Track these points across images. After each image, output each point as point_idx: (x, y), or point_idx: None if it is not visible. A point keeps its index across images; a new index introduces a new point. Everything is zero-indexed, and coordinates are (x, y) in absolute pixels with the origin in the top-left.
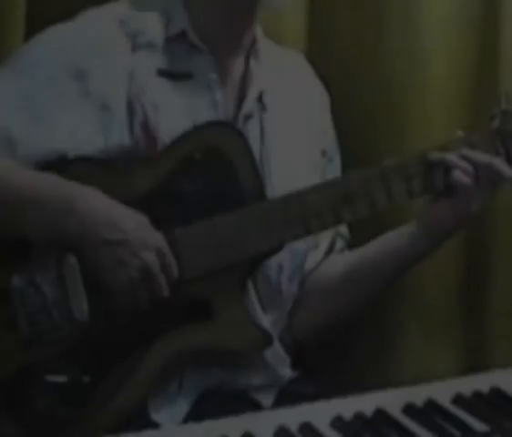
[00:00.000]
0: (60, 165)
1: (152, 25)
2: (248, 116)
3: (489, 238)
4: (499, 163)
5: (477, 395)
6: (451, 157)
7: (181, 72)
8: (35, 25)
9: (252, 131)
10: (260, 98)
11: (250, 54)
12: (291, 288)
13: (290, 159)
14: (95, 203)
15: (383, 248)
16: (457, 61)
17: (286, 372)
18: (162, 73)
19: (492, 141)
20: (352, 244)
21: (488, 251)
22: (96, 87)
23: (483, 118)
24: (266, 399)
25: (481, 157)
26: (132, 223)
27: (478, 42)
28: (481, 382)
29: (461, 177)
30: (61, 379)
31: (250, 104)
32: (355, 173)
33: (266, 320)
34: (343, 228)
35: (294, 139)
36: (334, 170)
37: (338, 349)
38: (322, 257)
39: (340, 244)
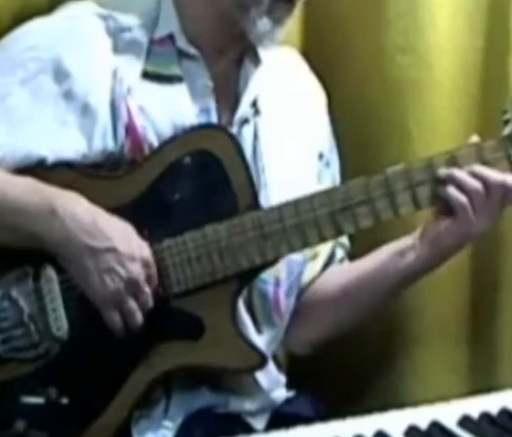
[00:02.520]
0: (40, 170)
1: (137, 24)
2: (243, 122)
3: (498, 257)
4: (508, 185)
5: (485, 416)
6: (460, 174)
7: (170, 75)
8: None
9: (247, 137)
10: (254, 102)
11: (243, 56)
12: (288, 303)
13: (285, 165)
14: (78, 209)
15: (383, 262)
16: (466, 60)
17: (281, 394)
18: (148, 75)
19: (504, 148)
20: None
21: (497, 271)
22: (77, 88)
23: (492, 121)
24: (258, 422)
25: (493, 175)
26: (118, 231)
27: (488, 39)
28: (489, 403)
29: (458, 195)
30: (38, 400)
31: (244, 109)
32: (356, 180)
33: (261, 341)
34: (343, 237)
35: (290, 143)
36: (332, 175)
37: (338, 368)
38: (322, 268)
39: (340, 254)
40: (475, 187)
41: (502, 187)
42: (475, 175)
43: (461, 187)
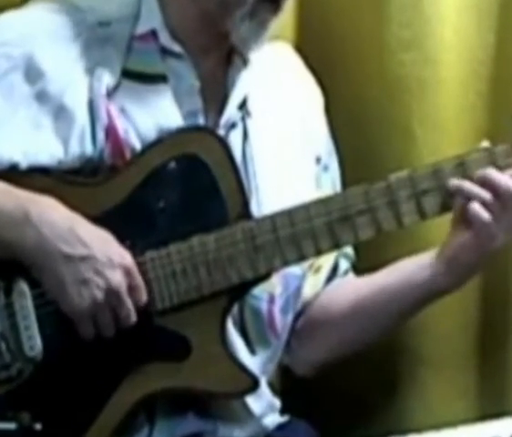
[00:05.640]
0: (12, 176)
1: (117, 18)
2: (230, 126)
3: (509, 274)
4: None
5: None
6: (470, 186)
7: (153, 74)
8: None
9: (235, 141)
10: (243, 104)
11: (232, 55)
12: (285, 320)
13: (279, 170)
14: (54, 214)
15: (400, 278)
16: (474, 56)
17: (274, 420)
18: (129, 73)
19: None
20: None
21: (508, 288)
22: (51, 88)
23: (502, 122)
24: None
25: (505, 181)
26: (97, 238)
27: (498, 35)
28: (499, 430)
29: (479, 212)
30: (9, 425)
31: (231, 111)
32: (356, 188)
33: (254, 362)
34: (348, 247)
35: (284, 147)
36: (331, 180)
37: (336, 391)
38: (325, 282)
39: (344, 265)
40: (487, 198)
41: None
42: (485, 182)
43: (474, 199)
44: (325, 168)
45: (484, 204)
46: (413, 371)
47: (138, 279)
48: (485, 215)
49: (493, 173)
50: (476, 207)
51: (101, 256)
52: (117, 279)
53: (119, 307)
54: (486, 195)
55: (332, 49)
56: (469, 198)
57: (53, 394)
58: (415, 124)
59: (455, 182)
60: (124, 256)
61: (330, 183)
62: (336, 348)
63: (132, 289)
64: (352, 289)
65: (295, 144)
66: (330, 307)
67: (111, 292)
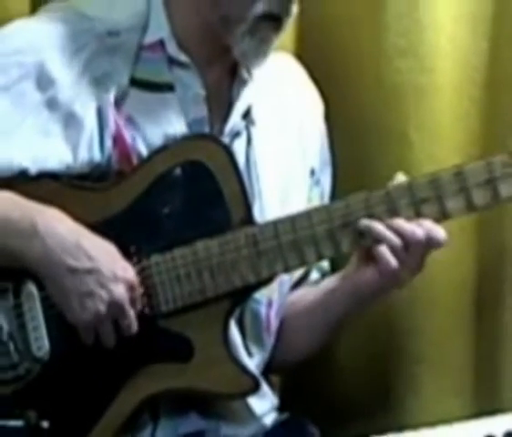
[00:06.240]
0: (22, 181)
1: (126, 28)
2: (235, 135)
3: (502, 272)
4: (430, 231)
5: None
6: (379, 228)
7: (160, 83)
8: None
9: (239, 148)
10: (247, 113)
11: (236, 66)
12: (277, 323)
13: (280, 177)
14: (60, 226)
15: (320, 297)
16: (469, 63)
17: (273, 418)
18: (137, 82)
19: None
20: None
21: (501, 286)
22: (62, 96)
23: (497, 128)
24: None
25: (410, 230)
26: (101, 252)
27: (492, 42)
28: (493, 426)
29: (386, 256)
30: (17, 423)
31: (235, 119)
32: (356, 195)
33: (252, 364)
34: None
35: (284, 155)
36: (320, 193)
37: (333, 389)
38: (289, 288)
39: (315, 276)
40: (395, 243)
41: (419, 241)
42: (392, 228)
43: (383, 241)
44: (317, 182)
45: (391, 248)
46: (409, 371)
47: (138, 292)
48: (391, 259)
49: (400, 221)
50: (383, 250)
51: (106, 270)
52: (120, 292)
53: (121, 318)
54: (395, 239)
55: (331, 58)
56: (378, 239)
57: (59, 393)
58: (412, 129)
59: (365, 222)
60: (127, 269)
61: (318, 196)
62: (294, 348)
63: (134, 300)
64: (299, 298)
65: (294, 154)
66: (287, 309)
67: (114, 305)
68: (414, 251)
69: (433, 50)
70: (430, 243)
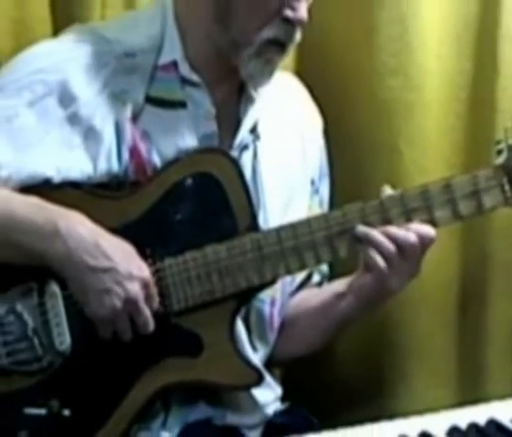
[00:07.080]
0: (45, 189)
1: (142, 50)
2: (243, 148)
3: (486, 271)
4: (419, 231)
5: (473, 427)
6: (375, 234)
7: (173, 100)
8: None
9: (247, 161)
10: (254, 128)
11: (244, 85)
12: (279, 320)
13: (283, 188)
14: (81, 228)
15: (323, 303)
16: (454, 81)
17: (275, 407)
18: (152, 100)
19: (498, 177)
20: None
21: (485, 285)
22: (82, 111)
23: (480, 141)
24: (254, 433)
25: (403, 235)
26: (118, 252)
27: (475, 61)
28: (477, 414)
29: (377, 260)
30: (40, 411)
31: (243, 134)
32: (353, 205)
33: (256, 358)
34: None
35: (287, 168)
36: (319, 201)
37: (330, 381)
38: (294, 289)
39: (316, 278)
40: (390, 249)
41: (413, 245)
42: (386, 235)
43: (377, 248)
44: (316, 191)
45: (386, 252)
46: (400, 363)
47: (154, 290)
48: (381, 263)
49: (393, 228)
50: (373, 254)
51: (122, 268)
52: (135, 289)
53: (137, 315)
54: (389, 245)
55: (329, 77)
56: (373, 245)
57: (80, 384)
58: (402, 143)
59: (362, 229)
60: (142, 269)
61: (318, 204)
62: (296, 344)
63: (148, 298)
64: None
65: (296, 166)
66: (292, 309)
67: (129, 301)
68: (411, 256)
69: (421, 70)
70: (423, 242)
